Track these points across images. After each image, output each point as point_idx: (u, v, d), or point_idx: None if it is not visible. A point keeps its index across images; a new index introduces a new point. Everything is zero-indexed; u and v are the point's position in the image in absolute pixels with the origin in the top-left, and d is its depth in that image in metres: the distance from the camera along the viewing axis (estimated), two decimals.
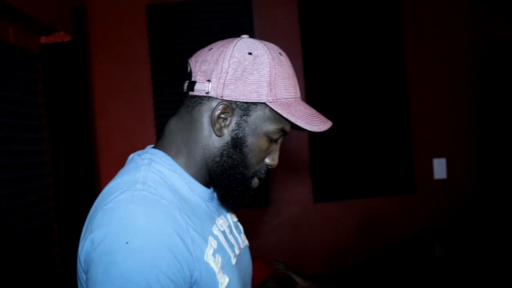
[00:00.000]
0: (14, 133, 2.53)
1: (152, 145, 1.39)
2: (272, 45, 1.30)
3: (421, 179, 4.22)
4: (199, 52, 1.32)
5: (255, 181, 1.34)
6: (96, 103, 4.21)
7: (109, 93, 4.22)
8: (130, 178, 1.21)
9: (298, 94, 1.31)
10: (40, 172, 2.74)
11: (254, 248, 4.02)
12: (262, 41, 1.30)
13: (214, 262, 1.21)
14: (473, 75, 4.17)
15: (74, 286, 1.27)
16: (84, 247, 1.12)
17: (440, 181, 4.26)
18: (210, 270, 1.19)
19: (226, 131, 1.26)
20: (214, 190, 1.36)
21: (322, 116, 1.32)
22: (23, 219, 2.53)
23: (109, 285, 1.05)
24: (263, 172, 1.34)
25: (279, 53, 1.29)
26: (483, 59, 4.18)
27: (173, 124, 1.33)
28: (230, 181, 1.29)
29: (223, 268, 1.24)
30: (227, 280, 1.23)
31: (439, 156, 4.26)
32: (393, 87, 4.13)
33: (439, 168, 4.26)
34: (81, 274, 1.19)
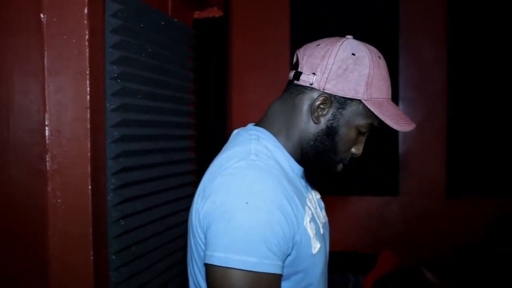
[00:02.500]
0: (169, 104, 2.59)
1: (253, 123, 1.54)
2: (373, 49, 1.45)
3: None
4: (307, 46, 1.48)
5: (340, 166, 1.51)
6: (234, 80, 4.27)
7: (247, 70, 4.27)
8: (243, 149, 1.39)
9: (390, 96, 1.45)
10: (186, 145, 2.81)
11: (379, 237, 3.96)
12: (366, 44, 1.45)
13: (310, 229, 1.40)
14: None
15: None
16: (205, 206, 1.31)
17: None
18: (307, 235, 1.38)
19: (322, 120, 1.42)
20: (304, 169, 1.53)
21: (407, 118, 1.46)
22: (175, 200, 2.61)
23: (231, 237, 1.23)
24: (347, 159, 1.50)
25: (379, 56, 1.43)
26: None
27: (276, 107, 1.49)
28: (319, 163, 1.47)
29: (316, 235, 1.42)
30: (318, 245, 1.42)
31: None
32: None
33: None
34: (197, 231, 1.37)
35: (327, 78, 1.38)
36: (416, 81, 4.17)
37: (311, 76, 1.40)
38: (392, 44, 4.06)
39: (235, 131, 1.53)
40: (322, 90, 1.40)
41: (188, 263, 1.51)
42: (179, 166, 2.70)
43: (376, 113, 1.39)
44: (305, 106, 1.43)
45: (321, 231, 1.50)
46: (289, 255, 1.33)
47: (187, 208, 2.72)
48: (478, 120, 3.96)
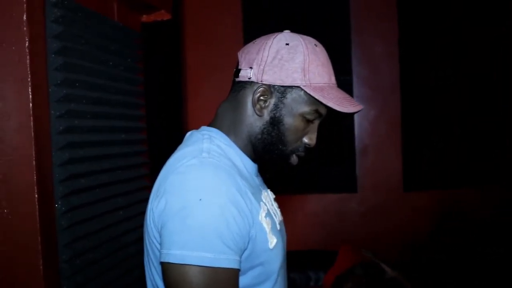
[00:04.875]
0: (117, 109, 2.58)
1: (205, 126, 1.54)
2: (309, 38, 1.47)
3: None
4: (245, 46, 1.52)
5: (294, 158, 1.50)
6: (189, 83, 4.26)
7: (202, 73, 4.26)
8: (196, 148, 1.40)
9: (333, 81, 1.47)
10: (137, 149, 2.79)
11: (339, 234, 3.98)
12: (301, 35, 1.47)
13: (266, 223, 1.40)
14: None
15: None
16: (159, 206, 1.31)
17: None
18: (263, 230, 1.38)
19: (265, 112, 1.44)
20: (258, 165, 1.56)
21: (353, 100, 1.47)
22: (124, 194, 2.58)
23: (186, 234, 1.24)
24: (301, 150, 1.50)
25: (315, 44, 1.46)
26: None
27: (224, 107, 1.52)
28: (270, 156, 1.47)
29: (272, 229, 1.42)
30: (275, 240, 1.42)
31: None
32: (498, 76, 3.99)
33: None
34: (152, 232, 1.37)
35: (263, 70, 1.41)
36: (370, 78, 4.21)
37: (249, 70, 1.44)
38: (344, 42, 4.10)
39: (189, 133, 1.54)
40: (260, 82, 1.42)
41: (145, 266, 1.50)
42: (131, 171, 2.68)
43: (316, 97, 1.39)
44: (248, 101, 1.45)
45: (278, 226, 1.50)
46: (245, 249, 1.34)
47: (141, 213, 2.72)
48: (431, 114, 4.02)
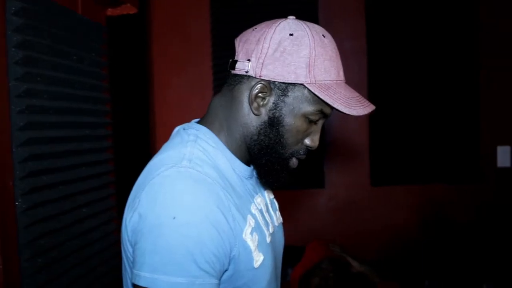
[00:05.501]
0: (81, 105, 2.53)
1: (197, 119, 1.44)
2: (316, 27, 1.31)
3: (483, 167, 4.10)
4: (244, 32, 1.36)
5: (293, 161, 1.37)
6: (156, 78, 4.21)
7: (169, 68, 4.22)
8: (177, 153, 1.27)
9: (341, 77, 1.32)
10: (102, 145, 2.74)
11: (308, 229, 3.98)
12: (308, 23, 1.31)
13: (251, 240, 1.27)
14: None
15: None
16: (132, 219, 1.20)
17: (503, 169, 4.13)
18: (247, 248, 1.25)
19: (263, 110, 1.30)
20: (254, 168, 1.43)
21: (363, 100, 1.32)
22: (85, 192, 2.54)
23: (157, 256, 1.12)
24: (302, 153, 1.37)
25: (323, 34, 1.30)
26: None
27: (216, 101, 1.39)
28: (267, 159, 1.33)
29: (259, 246, 1.29)
30: (261, 258, 1.29)
31: (503, 143, 4.13)
32: (463, 72, 4.02)
33: (503, 156, 4.13)
34: (126, 245, 1.26)
35: (262, 64, 1.26)
36: None
37: (246, 63, 1.29)
38: None
39: (176, 129, 1.43)
40: (259, 77, 1.27)
41: (123, 275, 1.38)
42: (95, 167, 2.64)
43: (321, 97, 1.25)
44: (244, 97, 1.31)
45: (268, 239, 1.37)
46: (226, 270, 1.23)
47: (106, 210, 2.69)
48: (398, 109, 4.04)
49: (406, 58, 4.03)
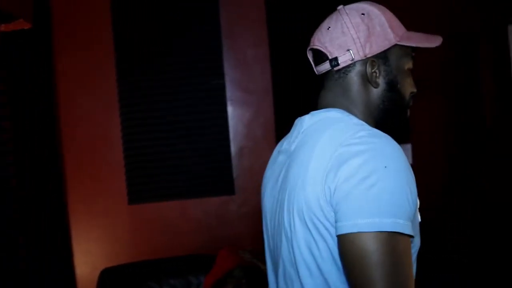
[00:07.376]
0: None
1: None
2: (366, 1, 1.53)
3: None
4: (317, 38, 1.54)
5: (408, 112, 1.57)
6: (61, 94, 4.14)
7: (74, 83, 4.16)
8: (348, 123, 1.41)
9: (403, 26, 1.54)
10: (2, 162, 2.69)
11: (221, 236, 4.01)
12: (358, 3, 1.53)
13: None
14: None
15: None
16: (338, 176, 1.26)
17: None
18: (417, 205, 1.34)
19: (380, 81, 1.48)
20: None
21: (430, 34, 1.55)
22: None
23: (376, 201, 1.20)
24: (410, 102, 1.56)
25: (375, 3, 1.51)
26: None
27: (329, 98, 1.53)
28: (393, 120, 1.53)
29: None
30: (418, 218, 1.40)
31: (404, 142, 4.29)
32: None
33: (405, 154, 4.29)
34: (320, 211, 1.30)
35: (362, 45, 1.44)
36: (243, 81, 4.26)
37: (347, 53, 1.46)
38: (215, 47, 4.12)
39: (301, 119, 1.55)
40: (365, 57, 1.46)
41: (290, 256, 1.43)
42: None
43: (413, 45, 1.49)
44: (359, 80, 1.48)
45: None
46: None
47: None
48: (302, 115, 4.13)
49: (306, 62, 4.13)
